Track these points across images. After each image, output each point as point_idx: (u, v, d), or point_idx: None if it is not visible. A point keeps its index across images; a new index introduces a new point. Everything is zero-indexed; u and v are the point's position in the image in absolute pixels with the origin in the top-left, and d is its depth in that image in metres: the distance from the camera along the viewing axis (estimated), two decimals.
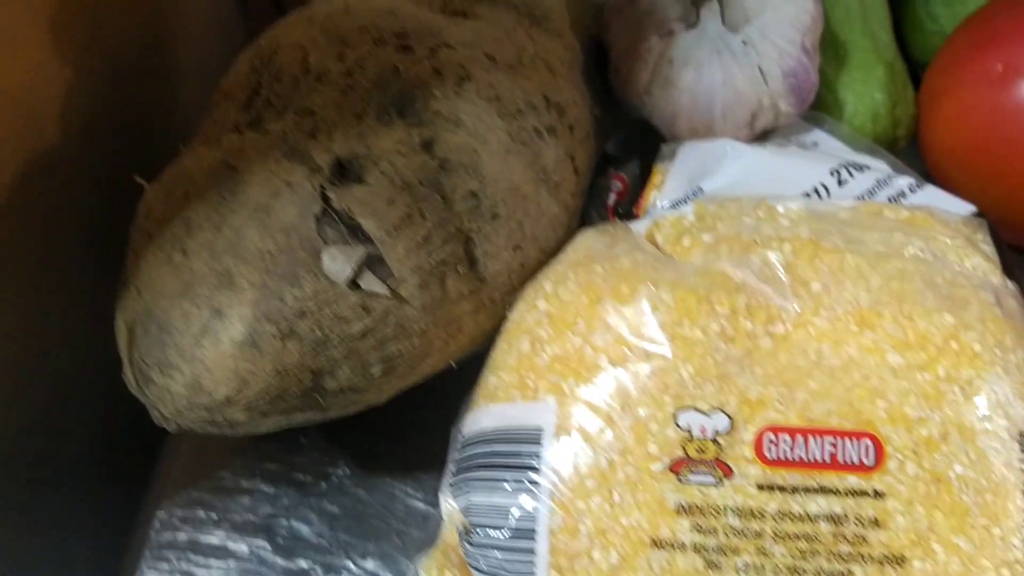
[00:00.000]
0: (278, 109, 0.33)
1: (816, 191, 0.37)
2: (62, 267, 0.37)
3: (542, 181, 0.35)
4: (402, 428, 0.39)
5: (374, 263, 0.30)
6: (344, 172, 0.31)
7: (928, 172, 0.45)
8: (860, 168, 0.37)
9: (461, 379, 0.35)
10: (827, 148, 0.41)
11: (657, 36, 0.39)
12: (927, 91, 0.45)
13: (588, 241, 0.35)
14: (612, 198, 0.40)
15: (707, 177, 0.38)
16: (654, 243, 0.35)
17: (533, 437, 0.31)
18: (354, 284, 0.30)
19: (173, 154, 0.34)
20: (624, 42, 0.40)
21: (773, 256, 0.33)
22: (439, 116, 0.33)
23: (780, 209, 0.34)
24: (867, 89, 0.44)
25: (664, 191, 0.38)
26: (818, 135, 0.42)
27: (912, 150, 0.46)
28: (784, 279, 0.32)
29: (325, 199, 0.30)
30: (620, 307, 0.32)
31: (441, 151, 0.33)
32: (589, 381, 0.31)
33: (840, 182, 0.37)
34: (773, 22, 0.39)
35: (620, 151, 0.43)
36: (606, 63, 0.43)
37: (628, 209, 0.39)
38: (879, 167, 0.39)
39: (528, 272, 0.35)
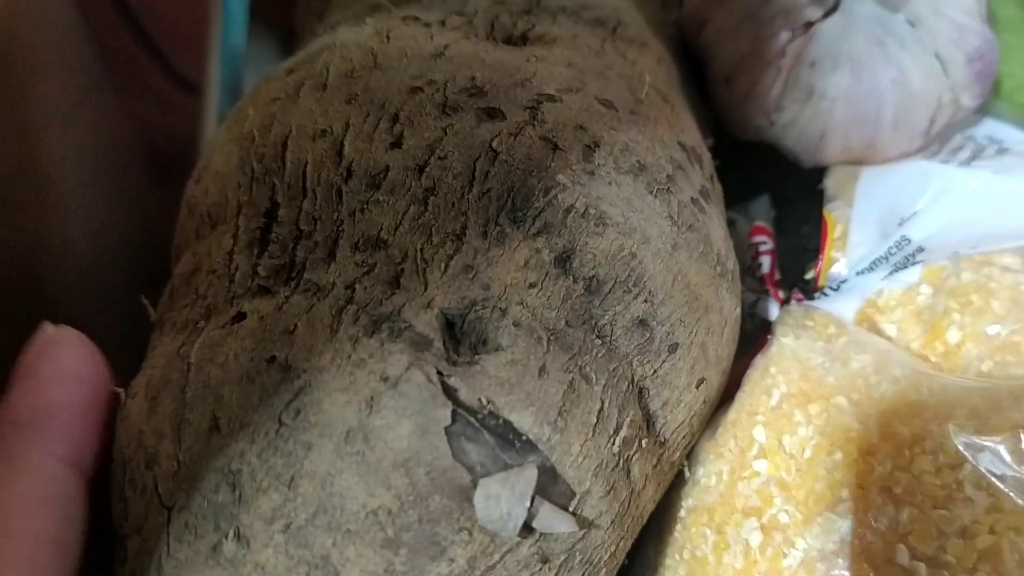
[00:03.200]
0: (322, 244, 0.21)
1: None
2: None
3: (720, 276, 0.23)
4: None
5: (545, 482, 0.19)
6: (459, 337, 0.19)
7: None
8: None
9: None
10: (1014, 143, 0.31)
11: (788, 31, 0.28)
12: None
13: (795, 352, 0.24)
14: (765, 262, 0.29)
15: (908, 221, 0.27)
16: (880, 334, 0.24)
17: None
18: (526, 527, 0.18)
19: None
20: (736, 44, 0.29)
21: None
22: (572, 213, 0.21)
23: None
24: None
25: (850, 247, 0.27)
26: (991, 127, 0.32)
27: None
28: None
29: (449, 393, 0.18)
30: (909, 462, 0.21)
31: (586, 266, 0.21)
32: None
33: None
34: None
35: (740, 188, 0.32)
36: (700, 72, 0.31)
37: (797, 277, 0.28)
38: None
39: (710, 408, 0.24)
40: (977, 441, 0.21)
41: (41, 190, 0.43)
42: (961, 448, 0.21)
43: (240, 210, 0.22)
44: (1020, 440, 0.21)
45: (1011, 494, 0.20)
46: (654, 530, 0.25)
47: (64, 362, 0.20)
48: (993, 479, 0.20)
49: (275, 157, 0.23)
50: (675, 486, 0.24)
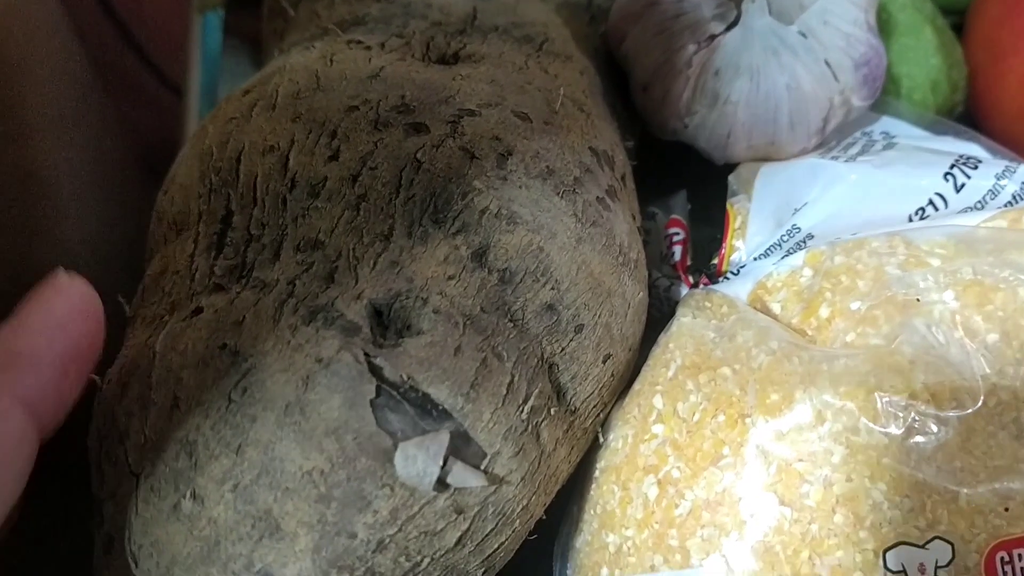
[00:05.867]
0: (269, 246, 0.24)
1: (932, 204, 0.30)
2: None
3: (622, 265, 0.27)
4: None
5: (458, 444, 0.22)
6: (386, 323, 0.23)
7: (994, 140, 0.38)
8: (974, 164, 0.31)
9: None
10: (904, 139, 0.34)
11: (694, 43, 0.31)
12: (982, 47, 0.38)
13: (692, 329, 0.27)
14: (677, 251, 0.32)
15: (800, 211, 0.30)
16: (767, 312, 0.28)
17: None
18: (440, 483, 0.22)
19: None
20: (651, 55, 0.32)
21: (939, 312, 0.25)
22: (487, 214, 0.24)
23: (923, 245, 0.27)
24: (921, 56, 0.37)
25: (749, 236, 0.31)
26: (887, 124, 0.35)
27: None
28: (959, 339, 0.25)
29: (375, 371, 0.22)
30: (774, 423, 0.24)
31: (499, 260, 0.24)
32: (756, 531, 0.24)
33: (957, 187, 0.30)
34: (833, 2, 0.31)
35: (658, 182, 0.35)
36: (623, 80, 0.35)
37: (704, 264, 0.32)
38: (984, 156, 0.32)
39: (619, 380, 0.27)
40: (835, 402, 0.24)
41: (37, 195, 0.46)
42: (821, 408, 0.24)
43: (200, 218, 0.26)
44: (875, 401, 0.24)
45: (866, 447, 0.24)
46: (576, 490, 0.28)
47: (56, 310, 0.20)
48: (849, 435, 0.24)
49: (230, 170, 0.26)
50: (591, 450, 0.28)
